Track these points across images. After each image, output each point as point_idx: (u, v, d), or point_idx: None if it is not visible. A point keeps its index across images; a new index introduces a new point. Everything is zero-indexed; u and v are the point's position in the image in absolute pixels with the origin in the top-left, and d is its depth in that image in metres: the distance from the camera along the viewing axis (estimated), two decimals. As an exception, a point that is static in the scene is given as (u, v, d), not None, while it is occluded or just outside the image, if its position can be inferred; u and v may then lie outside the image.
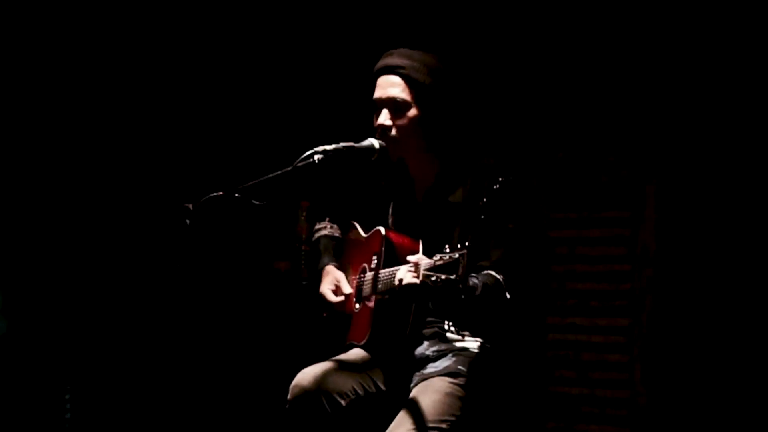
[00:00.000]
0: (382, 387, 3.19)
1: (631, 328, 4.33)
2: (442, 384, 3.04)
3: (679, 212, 4.23)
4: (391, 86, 3.14)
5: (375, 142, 3.14)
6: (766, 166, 4.06)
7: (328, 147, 3.05)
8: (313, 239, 3.49)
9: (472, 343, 3.16)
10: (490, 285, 2.97)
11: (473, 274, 2.95)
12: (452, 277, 2.73)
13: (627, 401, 4.32)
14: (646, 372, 4.28)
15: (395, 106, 3.13)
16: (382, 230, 3.18)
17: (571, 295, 4.47)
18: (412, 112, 3.14)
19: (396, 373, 3.19)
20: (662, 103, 4.25)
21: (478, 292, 2.93)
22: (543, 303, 4.51)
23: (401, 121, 3.14)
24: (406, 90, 3.13)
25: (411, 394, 3.07)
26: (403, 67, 3.13)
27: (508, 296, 3.01)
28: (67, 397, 4.79)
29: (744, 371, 4.05)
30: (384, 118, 3.14)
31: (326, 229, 3.49)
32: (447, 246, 2.77)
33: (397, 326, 3.13)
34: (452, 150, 3.21)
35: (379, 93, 3.16)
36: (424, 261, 2.81)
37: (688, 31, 4.17)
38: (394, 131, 3.14)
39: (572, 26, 4.41)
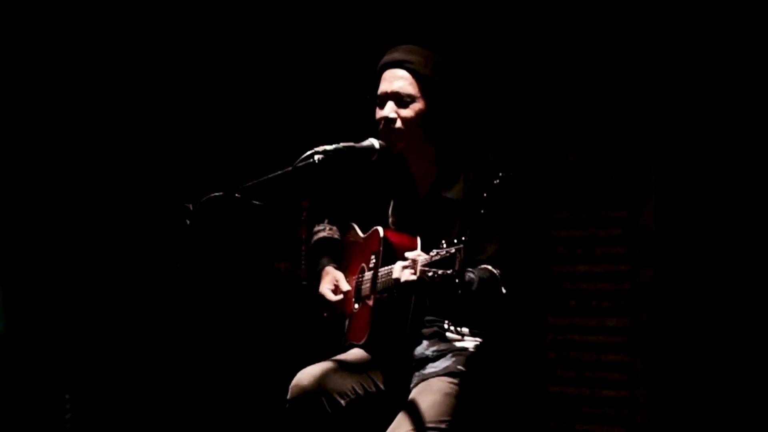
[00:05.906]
0: (382, 387, 3.19)
1: (631, 328, 4.33)
2: (442, 384, 3.04)
3: (678, 212, 4.23)
4: (397, 79, 3.15)
5: (375, 142, 3.14)
6: (765, 166, 4.06)
7: (328, 147, 3.06)
8: (312, 241, 3.49)
9: (472, 343, 3.16)
10: (486, 279, 2.99)
11: (470, 269, 2.96)
12: (449, 271, 2.74)
13: (627, 401, 4.32)
14: (647, 372, 4.28)
15: (401, 98, 3.14)
16: (380, 230, 3.18)
17: (571, 295, 4.47)
18: (418, 105, 3.15)
19: (396, 373, 3.18)
20: (662, 102, 4.25)
21: (474, 287, 2.94)
22: (544, 303, 4.51)
23: (406, 114, 3.14)
24: (413, 83, 3.14)
25: (411, 395, 3.07)
26: (409, 62, 3.15)
27: (504, 291, 3.02)
28: (67, 397, 4.79)
29: (745, 370, 4.05)
30: (389, 110, 3.15)
31: (325, 231, 3.48)
32: (444, 241, 2.78)
33: (396, 325, 3.13)
34: (454, 145, 3.21)
35: (384, 86, 3.17)
36: (421, 257, 2.81)
37: (690, 32, 4.17)
38: (398, 123, 3.15)
39: (573, 25, 4.41)
